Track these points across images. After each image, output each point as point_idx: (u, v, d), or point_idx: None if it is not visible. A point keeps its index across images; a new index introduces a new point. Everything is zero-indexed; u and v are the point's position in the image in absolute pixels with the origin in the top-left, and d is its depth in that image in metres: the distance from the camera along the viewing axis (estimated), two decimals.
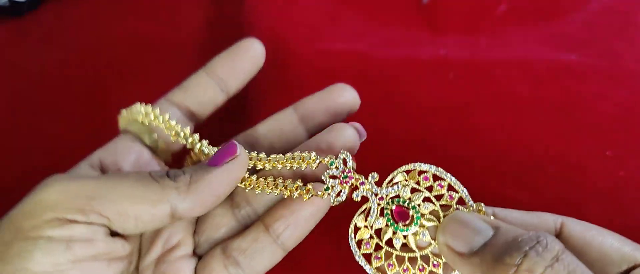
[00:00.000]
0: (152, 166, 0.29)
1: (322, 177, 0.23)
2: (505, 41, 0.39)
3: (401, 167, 0.24)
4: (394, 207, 0.23)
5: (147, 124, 0.28)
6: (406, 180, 0.24)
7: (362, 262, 0.24)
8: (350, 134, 0.25)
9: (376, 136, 0.35)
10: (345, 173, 0.23)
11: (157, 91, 0.39)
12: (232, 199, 0.27)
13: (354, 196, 0.23)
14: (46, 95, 0.38)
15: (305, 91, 0.36)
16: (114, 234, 0.24)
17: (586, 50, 0.37)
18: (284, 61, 0.36)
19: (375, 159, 0.34)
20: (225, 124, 0.37)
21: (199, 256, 0.27)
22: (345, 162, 0.23)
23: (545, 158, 0.33)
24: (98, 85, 0.38)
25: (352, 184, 0.23)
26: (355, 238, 0.24)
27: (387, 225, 0.23)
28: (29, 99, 0.38)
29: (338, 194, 0.23)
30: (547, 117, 0.34)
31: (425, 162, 0.25)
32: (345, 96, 0.28)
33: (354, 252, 0.24)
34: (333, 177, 0.23)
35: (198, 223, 0.28)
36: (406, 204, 0.23)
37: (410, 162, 0.26)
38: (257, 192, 0.25)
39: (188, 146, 0.27)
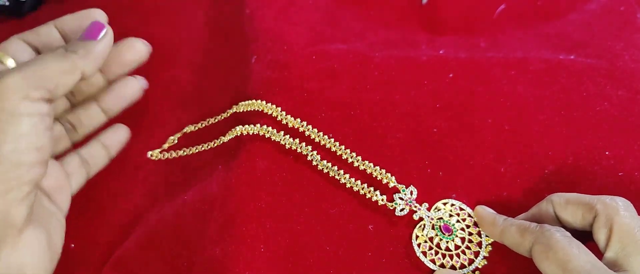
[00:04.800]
0: None
1: (394, 197, 0.33)
2: (504, 41, 0.39)
3: (441, 200, 0.33)
4: (442, 224, 0.32)
5: None
6: (444, 204, 0.33)
7: (421, 256, 0.31)
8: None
9: (376, 135, 0.35)
10: (411, 200, 0.33)
11: (157, 91, 0.39)
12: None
13: (414, 216, 0.32)
14: None
15: (306, 91, 0.36)
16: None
17: (585, 51, 0.37)
18: (284, 61, 0.36)
19: (375, 159, 0.34)
20: (228, 124, 0.37)
21: None
22: (411, 193, 0.33)
23: (544, 158, 0.33)
24: None
25: (412, 208, 0.32)
26: (416, 241, 0.32)
27: (436, 235, 0.32)
28: None
29: (402, 210, 0.32)
30: (546, 117, 0.34)
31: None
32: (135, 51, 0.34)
33: (415, 250, 0.31)
34: (401, 199, 0.32)
35: None
36: (449, 223, 0.32)
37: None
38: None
39: None
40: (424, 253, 0.31)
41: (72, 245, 0.34)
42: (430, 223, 0.32)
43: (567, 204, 0.28)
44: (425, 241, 0.32)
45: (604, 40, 0.38)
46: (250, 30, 0.39)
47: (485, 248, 0.31)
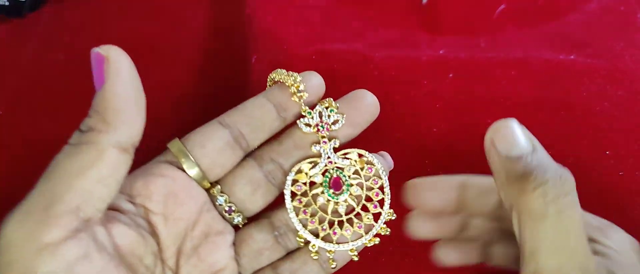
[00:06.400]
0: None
1: (297, 122, 0.28)
2: (505, 41, 0.39)
3: (356, 149, 0.29)
4: (335, 175, 0.28)
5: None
6: (356, 161, 0.29)
7: (288, 195, 0.28)
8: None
9: (375, 136, 0.35)
10: (322, 124, 0.28)
11: (157, 91, 0.39)
12: (270, 222, 0.29)
13: (312, 148, 0.28)
14: (46, 95, 0.38)
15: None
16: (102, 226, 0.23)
17: (586, 50, 0.37)
18: (284, 61, 0.36)
19: None
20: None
21: None
22: (320, 116, 0.28)
23: None
24: None
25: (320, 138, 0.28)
26: (293, 175, 0.28)
27: (321, 184, 0.28)
28: (29, 99, 0.38)
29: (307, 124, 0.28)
30: (546, 117, 0.34)
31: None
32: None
33: (286, 185, 0.28)
34: (308, 125, 0.28)
35: (237, 245, 0.28)
36: (343, 179, 0.28)
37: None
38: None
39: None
40: (293, 195, 0.28)
41: None
42: (325, 166, 0.28)
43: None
44: (304, 183, 0.28)
45: (604, 41, 0.38)
46: (250, 30, 0.39)
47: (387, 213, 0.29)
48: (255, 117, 0.28)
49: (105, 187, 0.23)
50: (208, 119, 0.32)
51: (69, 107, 0.38)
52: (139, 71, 0.34)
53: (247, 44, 0.39)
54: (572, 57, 0.37)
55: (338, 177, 0.28)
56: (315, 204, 0.28)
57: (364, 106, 0.29)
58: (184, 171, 0.27)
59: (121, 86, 0.23)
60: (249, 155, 0.29)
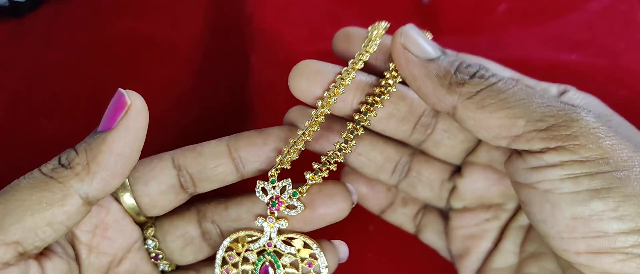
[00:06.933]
0: None
1: (257, 182, 0.25)
2: (505, 41, 0.39)
3: (303, 237, 0.25)
4: (267, 263, 0.26)
5: None
6: (298, 250, 0.26)
7: (218, 261, 0.26)
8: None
9: None
10: (276, 201, 0.25)
11: (156, 90, 0.39)
12: (198, 213, 0.27)
13: (256, 221, 0.25)
14: (46, 95, 0.38)
15: None
16: (34, 254, 0.22)
17: (586, 50, 0.37)
18: (284, 61, 0.36)
19: None
20: (228, 124, 0.37)
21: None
22: (282, 191, 0.25)
23: None
24: (98, 85, 0.38)
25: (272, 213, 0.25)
26: (229, 242, 0.26)
27: (253, 263, 0.26)
28: (28, 99, 0.38)
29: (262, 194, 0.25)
30: None
31: None
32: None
33: (219, 250, 0.26)
34: (264, 191, 0.25)
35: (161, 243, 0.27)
36: (275, 269, 0.26)
37: None
38: None
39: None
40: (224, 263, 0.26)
41: None
42: (262, 245, 0.26)
43: None
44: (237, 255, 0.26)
45: (605, 40, 0.38)
46: (250, 29, 0.39)
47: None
48: (208, 167, 0.26)
49: (53, 232, 0.22)
50: (207, 118, 0.32)
51: (69, 107, 0.38)
52: (138, 70, 0.34)
53: (246, 43, 0.39)
54: (573, 57, 0.37)
55: (267, 267, 0.26)
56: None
57: (332, 206, 0.26)
58: (120, 203, 0.25)
59: (122, 144, 0.22)
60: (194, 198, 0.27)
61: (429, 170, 0.29)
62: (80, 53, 0.40)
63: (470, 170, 0.28)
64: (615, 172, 0.21)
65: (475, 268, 0.29)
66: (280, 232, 0.25)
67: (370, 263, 0.31)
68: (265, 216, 0.25)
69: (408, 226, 0.30)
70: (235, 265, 0.26)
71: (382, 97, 0.25)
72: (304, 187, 0.25)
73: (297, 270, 0.26)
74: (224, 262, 0.26)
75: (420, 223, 0.30)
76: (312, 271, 0.26)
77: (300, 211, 0.25)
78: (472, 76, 0.23)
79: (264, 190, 0.25)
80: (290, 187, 0.25)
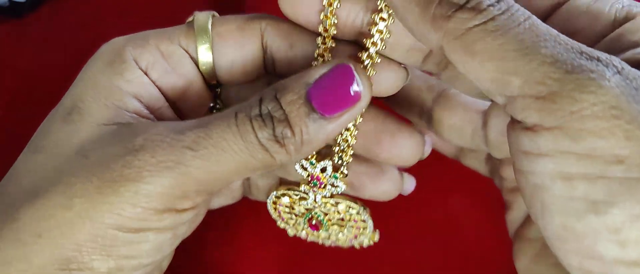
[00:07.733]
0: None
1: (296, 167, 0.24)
2: None
3: (348, 201, 0.25)
4: (314, 221, 0.25)
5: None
6: (342, 213, 0.25)
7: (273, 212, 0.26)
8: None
9: None
10: (317, 181, 0.24)
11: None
12: None
13: (302, 185, 0.25)
14: (46, 95, 0.38)
15: None
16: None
17: None
18: None
19: None
20: None
21: None
22: (323, 171, 0.24)
23: None
24: None
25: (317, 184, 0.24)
26: (278, 200, 0.26)
27: (302, 215, 0.26)
28: (28, 99, 0.38)
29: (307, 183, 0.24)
30: None
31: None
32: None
33: (269, 205, 0.26)
34: (304, 168, 0.24)
35: None
36: (323, 224, 0.26)
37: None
38: None
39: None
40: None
41: None
42: (309, 208, 0.25)
43: None
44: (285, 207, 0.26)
45: None
46: None
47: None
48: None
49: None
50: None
51: None
52: None
53: None
54: None
55: (317, 222, 0.26)
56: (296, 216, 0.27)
57: (379, 188, 0.24)
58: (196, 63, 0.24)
59: (334, 134, 0.21)
60: None
61: (455, 117, 0.24)
62: (80, 53, 0.40)
63: (496, 117, 0.23)
64: (626, 181, 0.15)
65: (515, 227, 0.24)
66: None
67: (370, 262, 0.31)
68: (309, 185, 0.24)
69: (482, 170, 0.27)
70: (288, 206, 0.26)
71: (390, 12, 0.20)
72: (344, 170, 0.24)
73: (343, 223, 0.26)
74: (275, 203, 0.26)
75: (492, 168, 0.26)
76: (355, 227, 0.26)
77: (342, 191, 0.24)
78: (462, 7, 0.17)
79: (303, 168, 0.24)
80: (330, 169, 0.24)
